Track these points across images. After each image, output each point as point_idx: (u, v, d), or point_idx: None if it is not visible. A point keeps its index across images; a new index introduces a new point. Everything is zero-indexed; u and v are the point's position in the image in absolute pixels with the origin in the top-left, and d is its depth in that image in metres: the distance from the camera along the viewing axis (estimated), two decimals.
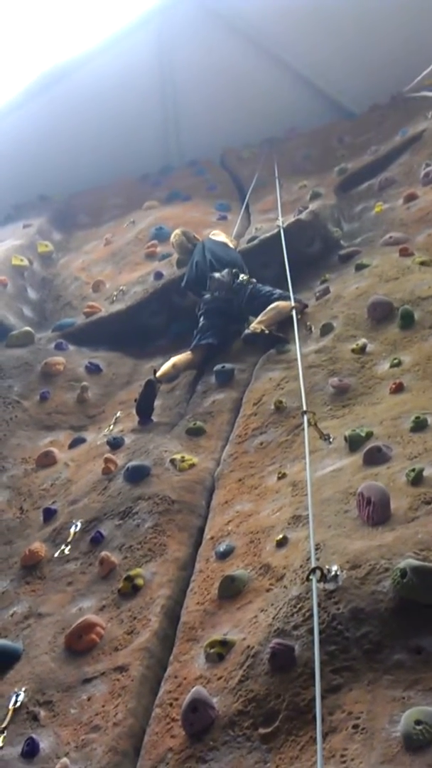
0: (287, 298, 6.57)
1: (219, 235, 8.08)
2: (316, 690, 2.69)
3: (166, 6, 12.24)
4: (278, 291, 6.79)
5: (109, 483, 5.41)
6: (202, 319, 7.04)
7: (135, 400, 6.35)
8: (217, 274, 7.09)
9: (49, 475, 6.03)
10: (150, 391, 6.30)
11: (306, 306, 6.70)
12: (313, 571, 3.22)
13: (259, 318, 6.63)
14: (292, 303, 6.42)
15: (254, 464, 5.10)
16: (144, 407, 6.28)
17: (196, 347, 6.84)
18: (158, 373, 6.49)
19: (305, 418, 4.66)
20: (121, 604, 4.32)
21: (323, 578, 3.25)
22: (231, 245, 7.91)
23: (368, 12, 11.38)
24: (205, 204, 10.21)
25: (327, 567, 3.34)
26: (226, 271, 7.10)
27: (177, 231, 8.20)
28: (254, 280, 7.09)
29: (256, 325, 6.57)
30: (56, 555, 5.00)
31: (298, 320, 6.08)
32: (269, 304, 6.70)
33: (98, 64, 12.17)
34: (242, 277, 7.06)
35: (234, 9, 12.09)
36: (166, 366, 6.61)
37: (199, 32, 12.24)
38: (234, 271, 7.13)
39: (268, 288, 6.95)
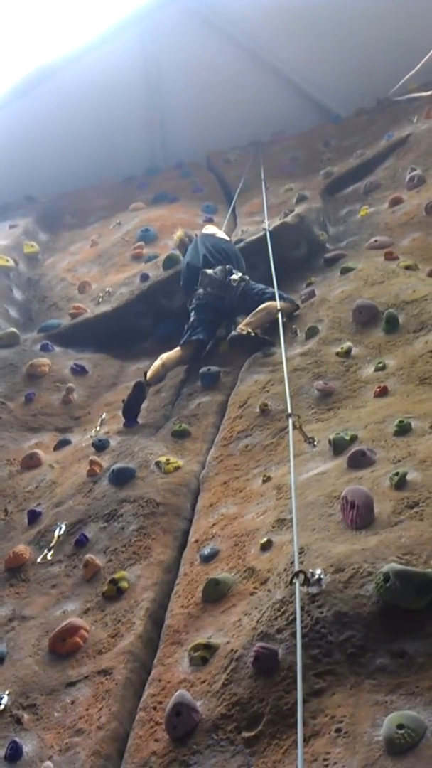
0: (280, 298, 6.57)
1: (210, 228, 8.09)
2: (298, 694, 2.70)
3: (152, 8, 12.22)
4: (271, 290, 6.76)
5: (94, 485, 5.40)
6: (192, 314, 7.00)
7: (122, 401, 6.34)
8: (209, 271, 7.06)
9: (34, 477, 6.02)
10: (138, 393, 6.30)
11: (298, 307, 6.70)
12: (296, 575, 3.23)
13: (247, 319, 6.60)
14: (279, 304, 6.40)
15: (239, 467, 5.11)
16: (131, 409, 6.28)
17: (186, 343, 6.80)
18: (148, 375, 6.46)
19: (290, 420, 4.67)
20: (106, 607, 4.32)
21: (307, 582, 3.26)
22: (225, 237, 7.93)
23: (355, 16, 11.43)
24: (191, 205, 10.23)
25: (311, 570, 3.35)
26: (219, 268, 7.08)
27: (180, 231, 8.15)
28: (247, 278, 7.04)
29: (242, 326, 6.55)
30: (40, 558, 4.99)
31: (284, 323, 6.08)
32: (261, 303, 6.67)
33: (84, 65, 12.16)
34: (235, 275, 7.04)
35: (220, 12, 12.11)
36: (155, 365, 6.58)
37: (185, 34, 12.25)
38: (228, 267, 7.10)
39: (261, 286, 6.89)
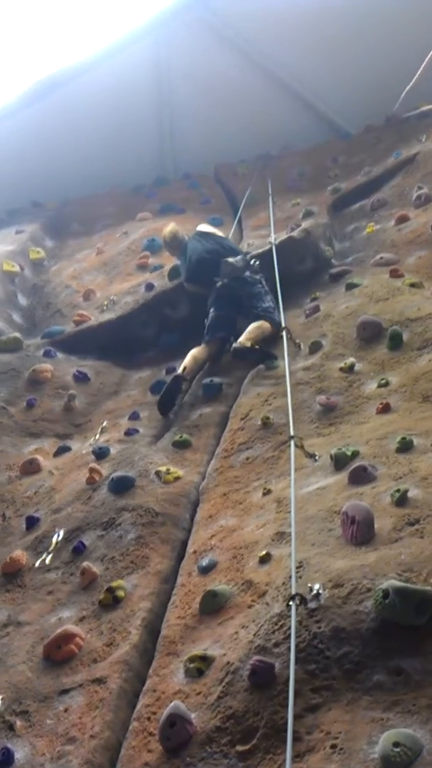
0: (269, 317, 6.63)
1: (204, 227, 8.14)
2: (289, 714, 2.69)
3: (165, 19, 12.29)
4: (263, 306, 6.80)
5: (93, 493, 5.39)
6: (212, 310, 7.05)
7: (159, 393, 6.50)
8: (231, 259, 7.08)
9: (33, 483, 6.00)
10: (176, 386, 6.44)
11: (283, 329, 6.67)
12: (293, 597, 3.22)
13: (245, 336, 6.60)
14: (270, 324, 6.56)
15: (239, 479, 5.10)
16: (167, 401, 6.41)
17: (211, 340, 6.90)
18: (184, 369, 6.55)
19: (292, 443, 4.67)
20: (102, 615, 4.30)
21: (303, 602, 3.25)
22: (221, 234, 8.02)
23: (366, 33, 11.48)
24: (198, 217, 10.22)
25: (309, 585, 3.34)
26: (239, 257, 7.12)
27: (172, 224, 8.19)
28: (263, 280, 7.09)
29: (244, 340, 6.56)
30: (37, 564, 4.98)
31: (288, 339, 6.09)
32: (253, 318, 6.70)
33: (96, 75, 12.21)
34: (255, 264, 7.09)
35: (233, 25, 12.17)
36: (188, 360, 6.68)
37: (197, 47, 12.31)
38: (247, 257, 7.14)
39: (260, 298, 6.93)
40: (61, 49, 12.91)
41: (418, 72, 10.45)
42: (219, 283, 7.06)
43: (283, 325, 6.61)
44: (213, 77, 12.10)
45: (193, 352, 6.77)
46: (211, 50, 12.28)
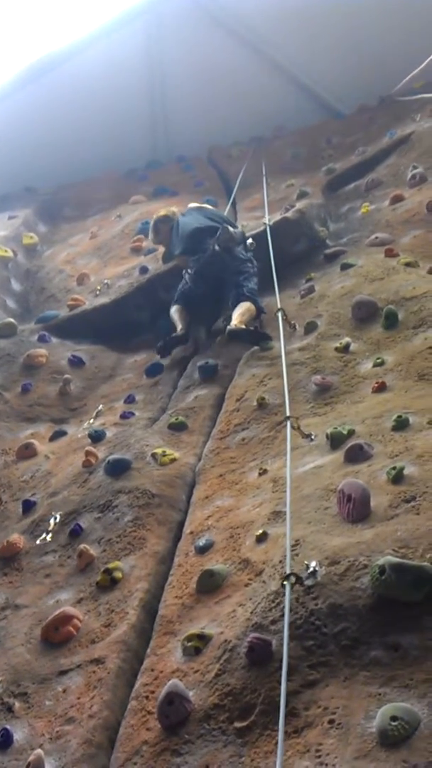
0: (254, 300, 6.66)
1: (198, 204, 8.15)
2: (282, 689, 2.69)
3: (156, 0, 12.19)
4: (249, 287, 6.79)
5: (90, 476, 5.39)
6: (190, 279, 7.14)
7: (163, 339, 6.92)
8: (231, 228, 7.06)
9: (29, 467, 6.00)
10: (175, 342, 6.88)
11: (263, 312, 6.70)
12: (287, 577, 3.21)
13: (237, 318, 6.53)
14: (255, 308, 6.61)
15: (235, 460, 5.09)
16: (168, 345, 6.86)
17: (183, 309, 7.13)
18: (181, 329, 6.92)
19: (288, 423, 4.65)
20: (99, 596, 4.30)
21: (299, 581, 3.24)
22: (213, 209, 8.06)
23: (358, 12, 11.42)
24: (192, 199, 10.10)
25: (305, 562, 3.34)
26: (239, 229, 7.11)
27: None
28: (253, 260, 7.08)
29: (237, 323, 6.52)
30: (34, 547, 4.98)
31: (283, 320, 6.06)
32: (238, 297, 6.70)
33: (87, 57, 12.13)
34: (250, 242, 7.13)
35: (225, 6, 12.09)
36: (176, 319, 7.02)
37: (189, 28, 12.22)
38: (244, 231, 7.15)
39: (248, 278, 6.90)
40: (52, 32, 12.77)
41: (419, 68, 10.38)
42: (210, 249, 6.99)
43: (265, 311, 6.68)
44: (206, 58, 12.04)
45: (176, 314, 7.05)
46: (204, 31, 12.21)
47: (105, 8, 12.37)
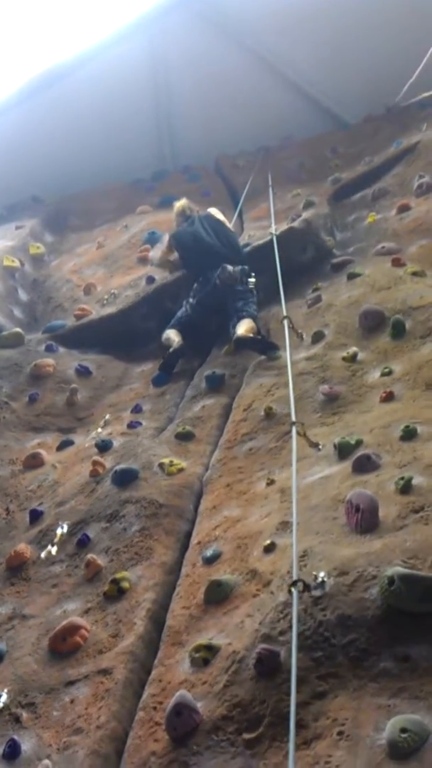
0: (253, 317, 6.73)
1: (218, 214, 8.11)
2: (291, 705, 2.67)
3: (161, 11, 12.21)
4: (248, 311, 6.84)
5: (97, 486, 5.39)
6: (190, 305, 7.29)
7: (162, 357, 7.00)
8: (230, 267, 7.08)
9: (36, 477, 6.00)
10: (174, 358, 6.93)
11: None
12: (294, 583, 3.20)
13: (243, 329, 6.54)
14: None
15: (243, 470, 5.09)
16: (168, 364, 6.93)
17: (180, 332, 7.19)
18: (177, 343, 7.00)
19: (293, 429, 4.65)
20: (107, 607, 4.29)
21: (306, 589, 3.23)
22: (229, 226, 8.03)
23: (365, 22, 11.42)
24: (198, 210, 10.21)
25: (314, 573, 3.33)
26: (240, 268, 7.15)
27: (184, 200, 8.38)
28: (254, 291, 7.14)
29: (244, 332, 6.53)
30: (42, 557, 4.97)
31: (290, 329, 6.06)
32: (238, 319, 6.73)
33: (93, 68, 12.15)
34: (251, 281, 7.17)
35: (229, 16, 12.11)
36: (172, 338, 7.08)
37: (194, 38, 12.24)
38: (246, 269, 7.21)
39: (248, 304, 6.96)
40: (57, 43, 12.81)
41: (419, 68, 10.39)
42: (212, 283, 7.11)
43: (264, 334, 6.71)
44: (211, 68, 12.05)
45: (169, 335, 7.13)
46: (209, 41, 12.21)
47: (110, 19, 12.41)
